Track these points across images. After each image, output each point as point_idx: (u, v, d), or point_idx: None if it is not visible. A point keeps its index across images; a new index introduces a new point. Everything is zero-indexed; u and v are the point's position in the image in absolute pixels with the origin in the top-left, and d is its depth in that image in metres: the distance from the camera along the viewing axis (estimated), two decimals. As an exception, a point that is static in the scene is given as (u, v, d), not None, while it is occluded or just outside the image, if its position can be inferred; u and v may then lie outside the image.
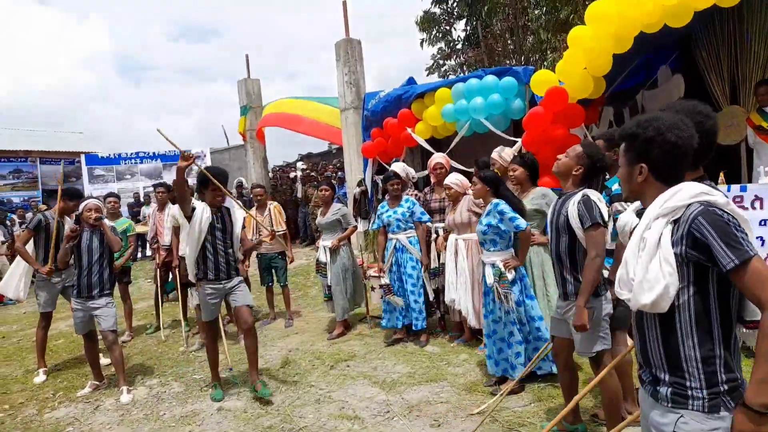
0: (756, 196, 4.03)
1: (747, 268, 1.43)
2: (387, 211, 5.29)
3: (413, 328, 5.22)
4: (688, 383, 1.55)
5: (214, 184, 4.10)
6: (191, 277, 4.33)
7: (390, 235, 5.28)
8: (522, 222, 3.80)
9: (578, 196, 2.88)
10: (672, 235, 1.54)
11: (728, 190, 4.11)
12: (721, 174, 4.38)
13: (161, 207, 6.67)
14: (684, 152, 1.62)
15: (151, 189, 10.38)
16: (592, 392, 3.72)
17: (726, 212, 1.50)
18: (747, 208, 4.04)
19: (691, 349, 1.55)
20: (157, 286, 6.55)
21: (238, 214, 4.41)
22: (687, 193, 1.56)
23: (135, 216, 11.36)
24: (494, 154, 4.92)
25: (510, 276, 3.84)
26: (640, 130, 1.66)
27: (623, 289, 1.70)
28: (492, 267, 3.90)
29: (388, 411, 3.79)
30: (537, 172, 4.29)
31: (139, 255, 11.57)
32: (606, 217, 2.85)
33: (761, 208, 4.01)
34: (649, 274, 1.56)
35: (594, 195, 2.88)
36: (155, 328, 6.54)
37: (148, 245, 6.82)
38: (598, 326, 2.84)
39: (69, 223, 4.92)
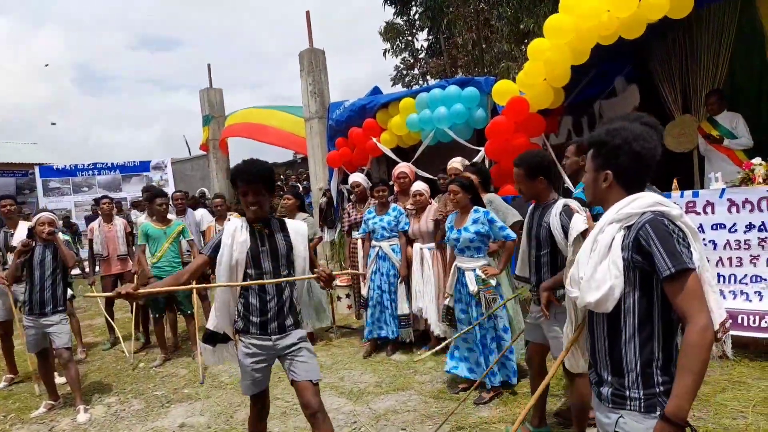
0: (708, 201, 4.20)
1: (681, 279, 1.48)
2: (374, 218, 5.26)
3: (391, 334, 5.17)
4: (626, 383, 1.61)
5: (243, 185, 2.71)
6: (226, 328, 2.86)
7: (374, 242, 5.25)
8: (512, 232, 3.86)
9: (559, 207, 2.88)
10: (623, 241, 1.60)
11: (681, 197, 4.27)
12: (675, 181, 4.54)
13: (108, 218, 6.50)
14: (647, 163, 1.68)
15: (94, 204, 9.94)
16: (555, 395, 3.77)
17: (675, 224, 1.56)
18: (699, 213, 4.20)
19: (633, 351, 1.61)
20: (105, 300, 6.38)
21: (298, 226, 2.92)
22: (643, 201, 1.61)
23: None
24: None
25: (493, 282, 3.88)
26: (608, 137, 1.71)
27: (573, 287, 1.76)
28: (474, 274, 3.91)
29: (355, 422, 3.75)
30: (488, 179, 4.37)
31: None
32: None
33: (713, 212, 4.18)
34: (597, 274, 1.63)
35: (573, 203, 2.89)
36: (111, 343, 6.36)
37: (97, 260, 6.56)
38: None
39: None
